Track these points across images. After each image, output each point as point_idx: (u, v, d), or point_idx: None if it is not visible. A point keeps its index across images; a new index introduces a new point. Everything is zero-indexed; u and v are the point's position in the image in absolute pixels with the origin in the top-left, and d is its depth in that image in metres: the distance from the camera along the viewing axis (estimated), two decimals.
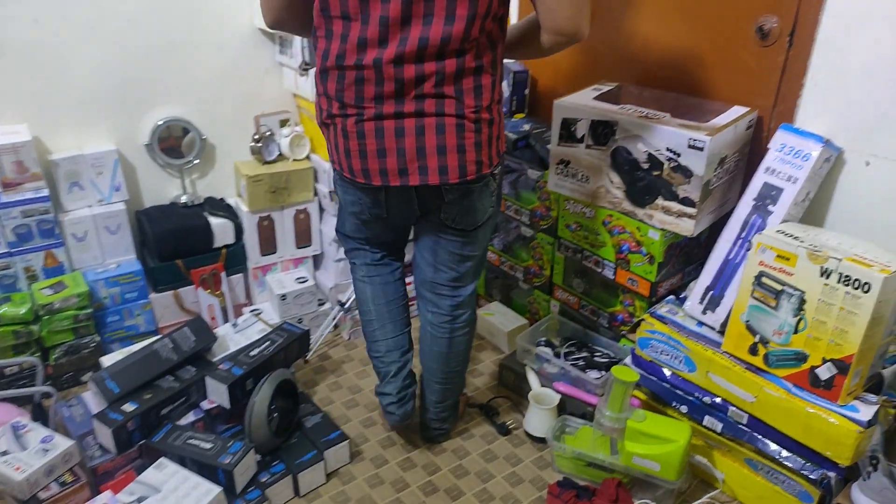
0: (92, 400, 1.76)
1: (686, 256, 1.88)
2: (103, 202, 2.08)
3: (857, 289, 1.37)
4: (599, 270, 1.94)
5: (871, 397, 1.46)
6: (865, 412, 1.41)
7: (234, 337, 2.06)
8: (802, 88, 1.67)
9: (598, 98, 1.88)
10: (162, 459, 1.58)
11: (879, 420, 1.43)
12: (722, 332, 1.65)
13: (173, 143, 2.17)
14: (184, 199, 2.23)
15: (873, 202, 1.61)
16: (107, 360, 1.87)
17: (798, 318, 1.47)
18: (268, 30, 2.10)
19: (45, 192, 1.94)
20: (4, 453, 1.52)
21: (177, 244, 2.12)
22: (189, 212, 2.19)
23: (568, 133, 1.86)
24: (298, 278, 2.29)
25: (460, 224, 1.52)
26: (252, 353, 1.83)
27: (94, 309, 2.03)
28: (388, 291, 1.74)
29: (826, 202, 1.69)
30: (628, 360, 1.83)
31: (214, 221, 2.18)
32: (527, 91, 2.32)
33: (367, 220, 1.62)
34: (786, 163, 1.62)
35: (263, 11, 1.46)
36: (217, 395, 1.75)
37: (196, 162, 2.23)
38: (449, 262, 1.60)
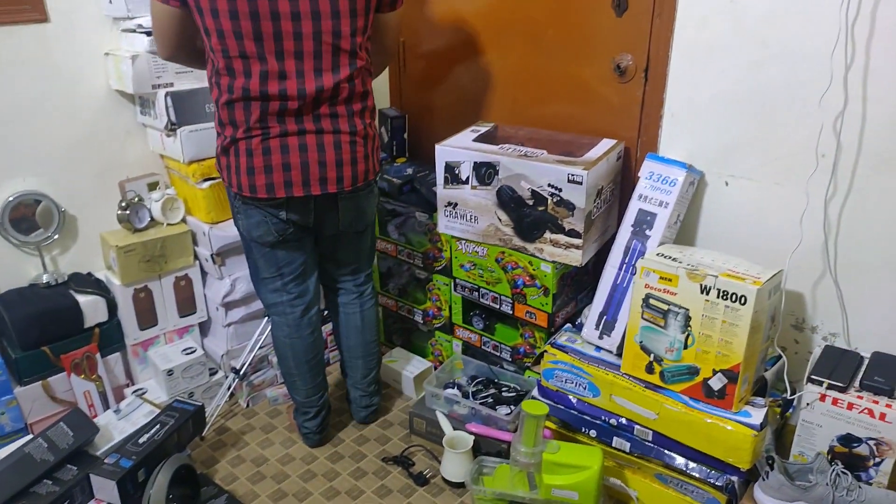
0: None
1: (577, 285, 1.95)
2: None
3: (734, 302, 1.47)
4: (498, 307, 1.97)
5: (759, 400, 1.57)
6: (757, 415, 1.52)
7: (118, 425, 1.90)
8: (662, 119, 1.80)
9: (477, 139, 1.93)
10: None
11: (769, 421, 1.54)
12: (619, 355, 1.72)
13: (26, 212, 1.98)
14: (45, 278, 2.03)
15: (735, 218, 1.76)
16: None
17: (686, 334, 1.56)
18: (127, 91, 2.00)
19: None
20: None
21: (41, 329, 1.93)
22: (52, 292, 2.00)
23: (452, 175, 1.89)
24: (185, 349, 2.14)
25: (354, 227, 1.81)
26: (141, 441, 1.70)
27: None
28: (307, 349, 1.90)
29: (695, 222, 1.83)
30: (535, 391, 1.86)
31: (83, 299, 2.00)
32: (405, 135, 2.34)
33: (276, 243, 1.73)
34: (655, 189, 1.73)
35: (159, 47, 1.65)
36: (105, 493, 1.60)
37: (56, 237, 2.04)
38: (347, 258, 1.90)
